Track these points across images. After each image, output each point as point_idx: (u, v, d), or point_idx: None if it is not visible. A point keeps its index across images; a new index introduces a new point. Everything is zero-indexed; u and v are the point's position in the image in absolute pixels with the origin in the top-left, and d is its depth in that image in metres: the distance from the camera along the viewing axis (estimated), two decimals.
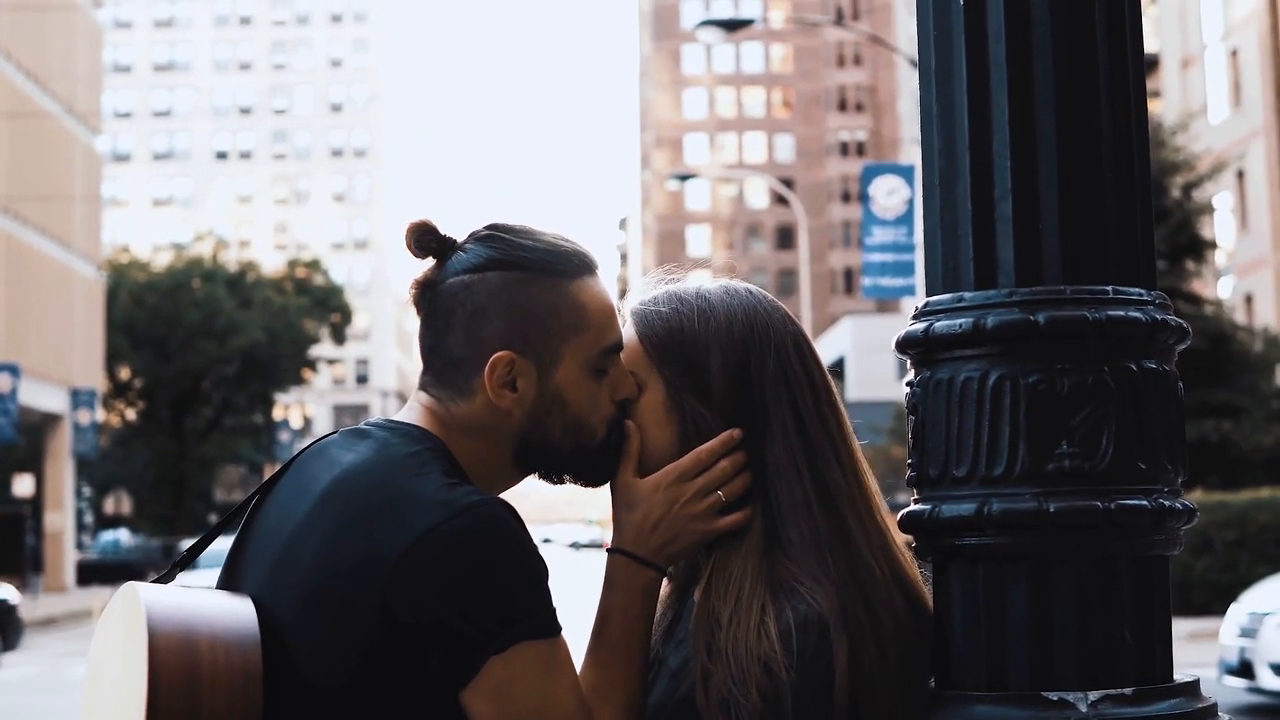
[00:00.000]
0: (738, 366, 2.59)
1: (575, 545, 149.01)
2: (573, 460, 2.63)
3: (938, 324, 2.38)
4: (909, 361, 2.47)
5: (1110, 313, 2.30)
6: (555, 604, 2.45)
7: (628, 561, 2.59)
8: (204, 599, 2.44)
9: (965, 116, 2.38)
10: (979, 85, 2.36)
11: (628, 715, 2.52)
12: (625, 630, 2.55)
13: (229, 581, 2.60)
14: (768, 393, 2.59)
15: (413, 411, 2.61)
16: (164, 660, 2.31)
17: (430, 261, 2.62)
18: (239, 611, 2.42)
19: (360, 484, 2.46)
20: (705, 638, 2.50)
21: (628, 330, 2.68)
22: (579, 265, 2.62)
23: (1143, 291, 2.36)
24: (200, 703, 2.30)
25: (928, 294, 2.45)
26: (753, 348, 2.60)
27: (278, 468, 2.69)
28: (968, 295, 2.36)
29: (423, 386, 2.63)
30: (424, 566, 2.35)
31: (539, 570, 2.43)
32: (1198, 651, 19.58)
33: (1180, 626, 23.64)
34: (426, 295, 2.62)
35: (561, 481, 2.68)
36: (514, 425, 2.58)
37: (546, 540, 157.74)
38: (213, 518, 75.76)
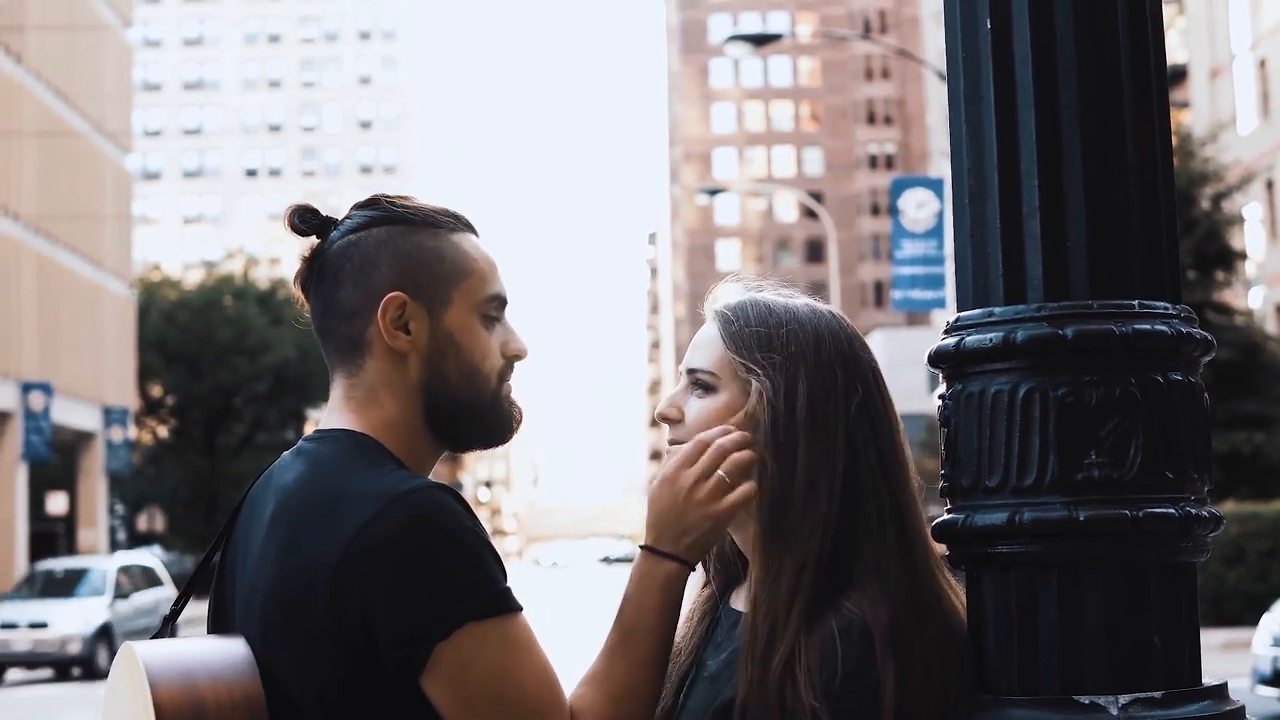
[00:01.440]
0: (825, 386, 2.58)
1: (607, 560, 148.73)
2: (471, 411, 2.63)
3: (968, 338, 2.43)
4: (941, 375, 2.51)
5: (1136, 326, 2.35)
6: (506, 583, 2.44)
7: (646, 554, 2.58)
8: (197, 644, 2.47)
9: (993, 137, 2.43)
10: (1006, 107, 2.42)
11: (619, 704, 2.50)
12: (635, 620, 2.54)
13: (217, 622, 2.64)
14: (851, 417, 2.58)
15: (331, 414, 2.64)
16: (169, 707, 2.35)
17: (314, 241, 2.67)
18: (233, 649, 2.45)
19: (297, 500, 2.49)
20: (748, 655, 2.50)
21: (710, 330, 2.69)
22: (460, 223, 2.68)
23: (1168, 305, 2.40)
24: None
25: (958, 309, 2.50)
26: (839, 370, 2.60)
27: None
28: (997, 310, 2.41)
29: (331, 374, 2.66)
30: (363, 563, 2.38)
31: (480, 550, 2.43)
32: (1231, 662, 19.52)
33: (1213, 637, 23.57)
34: (314, 265, 2.66)
35: (469, 447, 2.69)
36: (413, 375, 2.60)
37: (605, 559, 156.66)
38: None
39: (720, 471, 2.57)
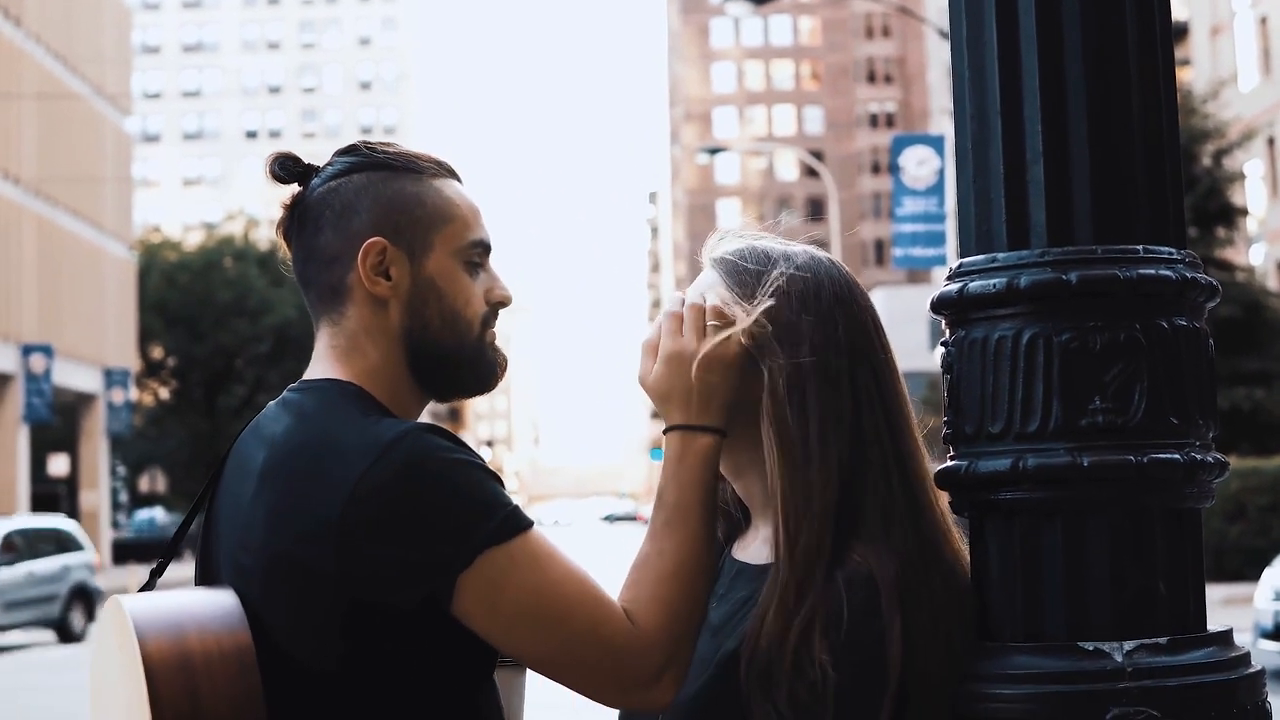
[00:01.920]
0: (827, 332, 2.55)
1: (609, 518, 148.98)
2: (454, 358, 2.60)
3: (972, 284, 2.41)
4: (944, 322, 2.50)
5: (1141, 271, 2.33)
6: (513, 504, 2.42)
7: (679, 435, 2.53)
8: (186, 596, 2.44)
9: (996, 83, 2.41)
10: (1009, 52, 2.40)
11: (671, 581, 2.46)
12: (678, 498, 2.49)
13: (204, 576, 2.61)
14: (854, 362, 2.55)
15: (315, 363, 2.61)
16: (157, 659, 2.32)
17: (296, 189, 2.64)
18: (222, 601, 2.42)
19: (286, 452, 2.46)
20: (779, 609, 2.46)
21: (709, 277, 2.66)
22: (441, 168, 2.65)
23: (1173, 250, 2.38)
24: (199, 693, 2.32)
25: (961, 256, 2.48)
26: (839, 316, 2.56)
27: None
28: (1001, 256, 2.39)
29: (315, 324, 2.63)
30: (365, 515, 2.35)
31: (480, 478, 2.41)
32: (1232, 616, 19.56)
33: (1214, 592, 23.62)
34: (295, 213, 2.63)
35: (453, 395, 2.66)
36: (395, 321, 2.57)
37: (607, 518, 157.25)
38: None
39: (710, 321, 2.56)
